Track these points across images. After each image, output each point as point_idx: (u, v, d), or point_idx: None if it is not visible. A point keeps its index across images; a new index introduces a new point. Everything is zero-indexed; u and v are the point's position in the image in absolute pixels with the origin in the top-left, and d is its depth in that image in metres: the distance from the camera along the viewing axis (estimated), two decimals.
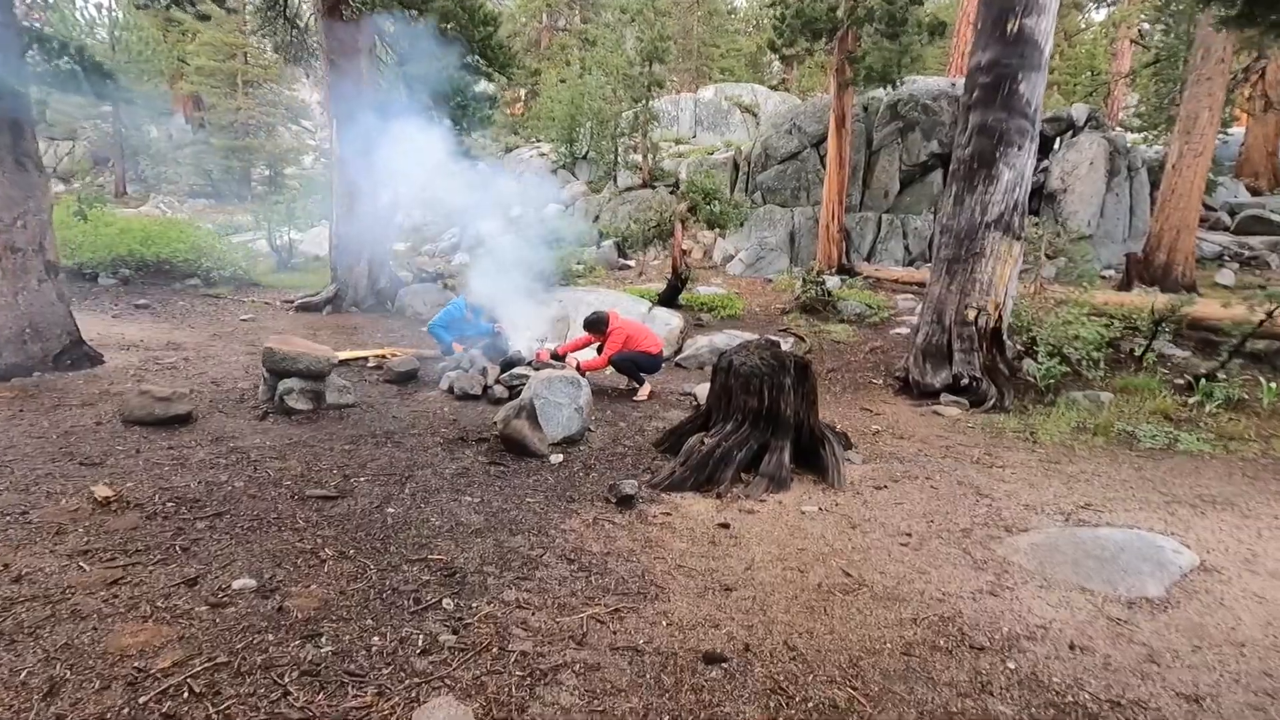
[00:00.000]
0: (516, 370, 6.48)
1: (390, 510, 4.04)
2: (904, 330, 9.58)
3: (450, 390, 6.59)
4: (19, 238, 6.40)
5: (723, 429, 4.92)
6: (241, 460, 4.67)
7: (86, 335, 8.42)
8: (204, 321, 9.91)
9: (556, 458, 5.11)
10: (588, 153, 21.10)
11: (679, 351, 9.19)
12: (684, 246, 16.00)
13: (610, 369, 7.06)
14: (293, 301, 11.48)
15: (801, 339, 9.28)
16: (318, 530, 3.72)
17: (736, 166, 17.15)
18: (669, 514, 4.22)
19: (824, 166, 15.21)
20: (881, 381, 7.79)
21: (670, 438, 5.42)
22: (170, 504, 3.90)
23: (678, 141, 22.92)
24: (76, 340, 6.90)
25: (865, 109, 15.51)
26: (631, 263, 15.34)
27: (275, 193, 23.43)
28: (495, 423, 5.19)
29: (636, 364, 6.97)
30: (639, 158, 18.54)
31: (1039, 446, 5.78)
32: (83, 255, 11.30)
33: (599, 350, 7.01)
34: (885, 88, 13.27)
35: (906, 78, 14.51)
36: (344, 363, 7.70)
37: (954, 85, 15.36)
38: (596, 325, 6.94)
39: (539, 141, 24.98)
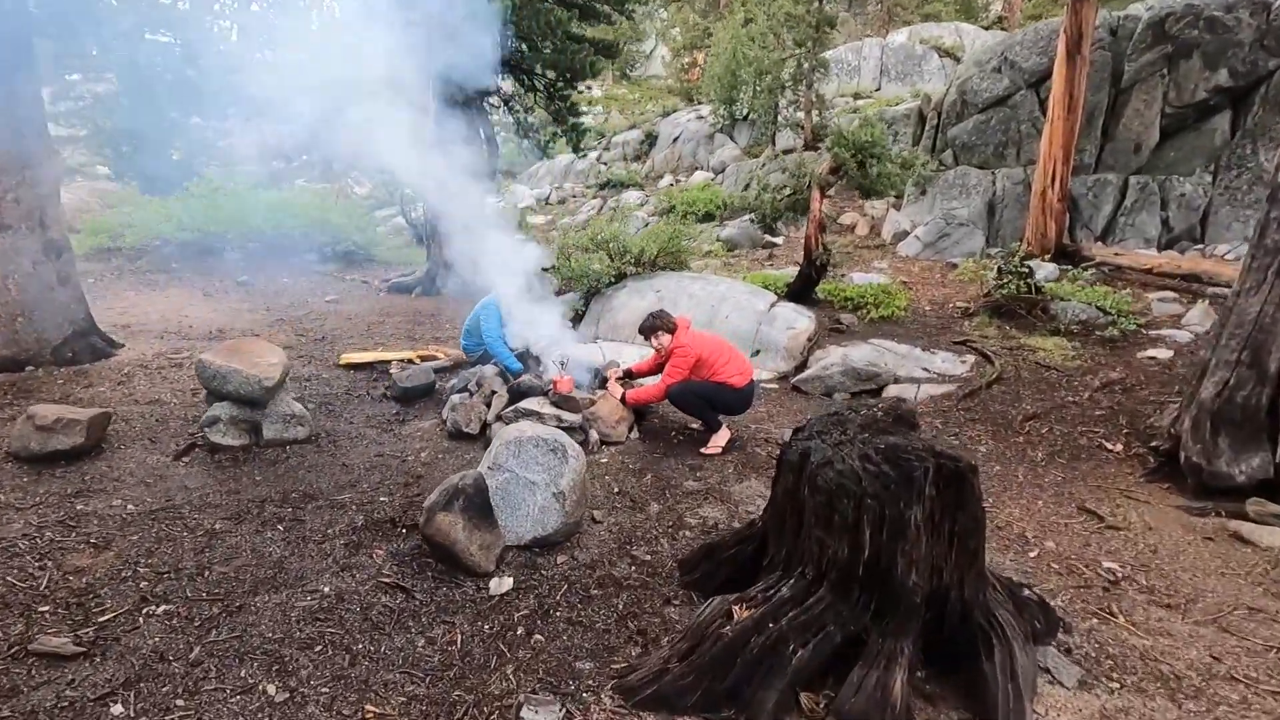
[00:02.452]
0: (524, 405, 4.42)
1: (116, 710, 2.21)
2: (1162, 354, 6.09)
3: (445, 423, 4.74)
4: (9, 213, 5.52)
5: (776, 587, 2.49)
6: (47, 546, 3.12)
7: (150, 316, 7.82)
8: (287, 303, 9.07)
9: (502, 583, 3.00)
10: (749, 113, 18.32)
11: (801, 367, 6.58)
12: (846, 221, 12.91)
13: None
14: (389, 280, 10.46)
15: (988, 359, 6.21)
16: None
17: (922, 119, 13.51)
18: None
19: (1044, 114, 11.24)
20: (1121, 448, 4.66)
21: (705, 560, 3.06)
22: None
23: (856, 96, 19.26)
24: (85, 329, 6.02)
25: (1113, 32, 11.18)
26: (779, 240, 12.61)
27: None
28: (423, 510, 3.19)
29: (709, 401, 4.61)
30: (802, 114, 15.48)
31: None
32: (209, 229, 11.10)
33: (666, 360, 4.75)
34: None
35: None
36: (368, 365, 6.19)
37: None
38: (656, 325, 4.68)
39: (700, 104, 22.53)
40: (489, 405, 4.64)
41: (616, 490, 3.96)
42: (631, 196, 17.25)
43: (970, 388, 5.75)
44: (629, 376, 5.08)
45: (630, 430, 4.78)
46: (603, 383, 4.95)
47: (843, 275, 9.20)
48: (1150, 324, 6.79)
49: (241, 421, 4.28)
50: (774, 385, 6.29)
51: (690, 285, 7.68)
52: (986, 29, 23.00)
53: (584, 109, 10.61)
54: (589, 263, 7.82)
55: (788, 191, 7.90)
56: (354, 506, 3.65)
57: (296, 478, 3.98)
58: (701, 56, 29.62)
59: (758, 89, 16.71)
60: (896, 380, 6.10)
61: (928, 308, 7.94)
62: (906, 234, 11.59)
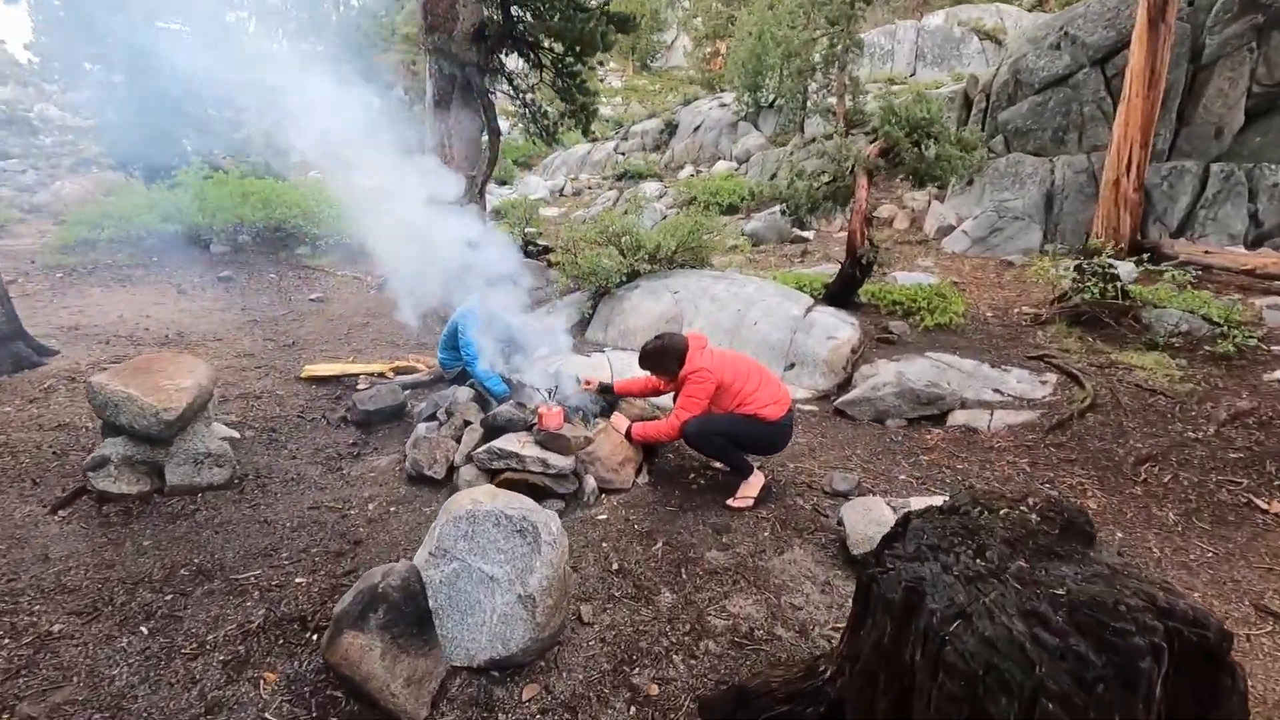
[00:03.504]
0: (501, 445, 3.39)
1: None
2: None
3: (406, 462, 3.73)
4: None
5: None
6: None
7: (107, 317, 6.93)
8: (266, 301, 8.17)
9: None
10: (775, 100, 17.17)
11: (845, 386, 5.51)
12: (883, 213, 11.73)
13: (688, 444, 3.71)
14: (383, 278, 9.51)
15: (1075, 380, 5.08)
16: None
17: (968, 103, 12.26)
18: None
19: (1111, 94, 9.99)
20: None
21: (740, 710, 2.03)
22: None
23: (890, 81, 18.00)
24: (8, 334, 5.13)
25: (1191, 1, 9.87)
26: (809, 234, 11.48)
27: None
28: (329, 621, 2.20)
29: (736, 440, 3.56)
30: (834, 99, 14.28)
31: None
32: (196, 220, 10.23)
33: (678, 389, 3.69)
34: None
35: None
36: (334, 379, 5.24)
37: None
38: (660, 360, 3.63)
39: (723, 91, 21.38)
40: (459, 441, 3.64)
41: (615, 567, 2.93)
42: (649, 188, 16.19)
43: (1058, 416, 4.63)
44: (605, 392, 3.96)
45: (638, 473, 3.75)
46: (605, 410, 3.91)
47: (884, 274, 8.07)
48: (1269, 337, 5.60)
49: (139, 463, 3.32)
50: (812, 407, 5.22)
51: (713, 286, 6.62)
52: (1029, 10, 21.53)
53: (596, 91, 9.53)
54: (598, 259, 6.80)
55: (826, 179, 6.79)
56: (258, 592, 2.67)
57: (197, 543, 3.01)
58: (724, 46, 28.41)
59: (785, 73, 15.55)
60: (963, 404, 5.00)
61: (989, 314, 6.79)
62: (952, 228, 10.40)
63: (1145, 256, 7.34)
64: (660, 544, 3.14)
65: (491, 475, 3.44)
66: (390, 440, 4.26)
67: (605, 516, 3.36)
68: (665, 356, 3.56)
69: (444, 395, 4.09)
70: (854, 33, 13.47)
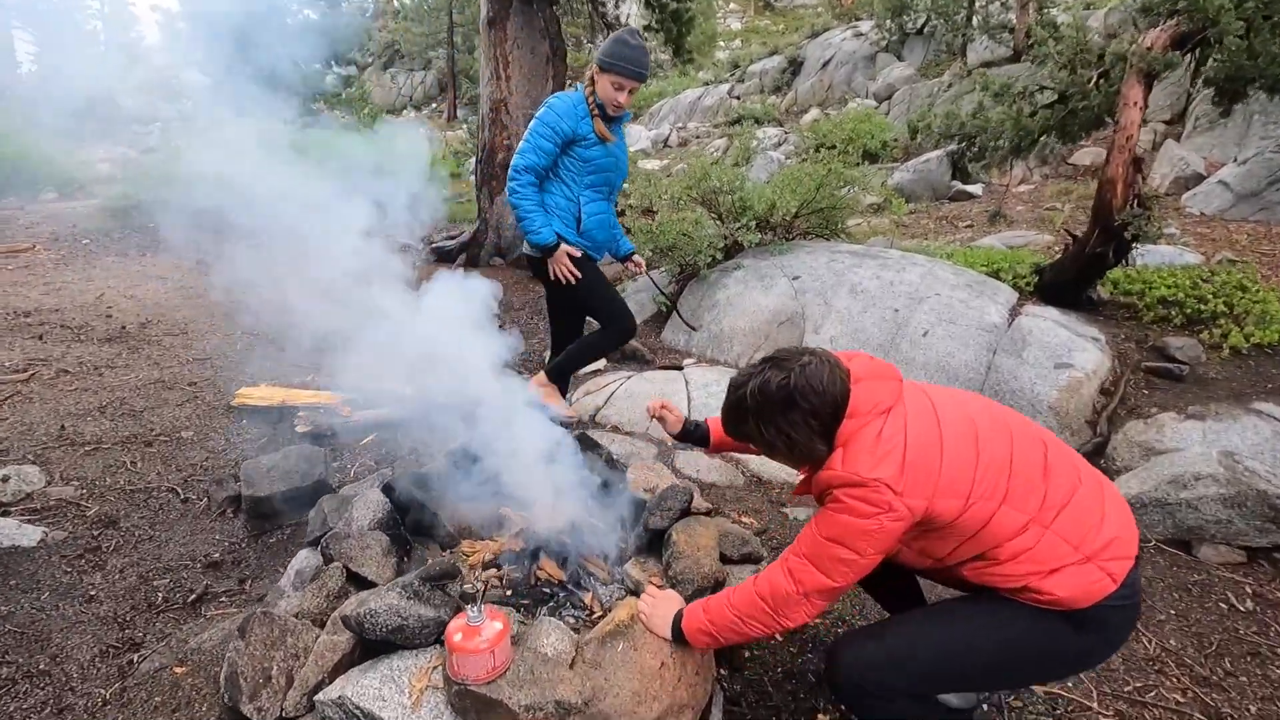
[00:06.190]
0: (359, 699, 1.42)
1: None
2: None
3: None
4: None
5: None
6: None
7: (81, 299, 5.64)
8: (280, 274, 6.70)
9: None
10: (925, 22, 13.86)
11: (1094, 455, 3.08)
12: (1083, 160, 8.55)
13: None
14: (435, 243, 7.87)
15: None
16: None
17: None
18: None
19: None
20: None
21: None
22: None
23: None
24: None
25: None
26: (976, 189, 8.62)
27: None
28: None
29: (959, 677, 1.36)
30: (1011, 15, 10.97)
31: None
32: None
33: (818, 502, 1.42)
34: None
35: None
36: (274, 410, 3.52)
37: None
38: (779, 423, 1.31)
39: (858, 20, 17.96)
40: (322, 630, 1.69)
41: None
42: (766, 134, 13.54)
43: None
44: (687, 440, 1.87)
45: (705, 713, 1.66)
46: (643, 538, 1.85)
47: (1132, 254, 5.29)
48: None
49: None
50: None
51: (853, 269, 4.28)
52: None
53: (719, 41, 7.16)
54: (684, 225, 4.65)
55: (1049, 98, 4.19)
56: None
57: None
58: None
59: None
60: None
61: None
62: (1200, 178, 7.22)
63: None
64: None
65: None
66: (282, 556, 2.43)
67: None
68: (793, 416, 1.32)
69: (341, 496, 2.17)
70: None
